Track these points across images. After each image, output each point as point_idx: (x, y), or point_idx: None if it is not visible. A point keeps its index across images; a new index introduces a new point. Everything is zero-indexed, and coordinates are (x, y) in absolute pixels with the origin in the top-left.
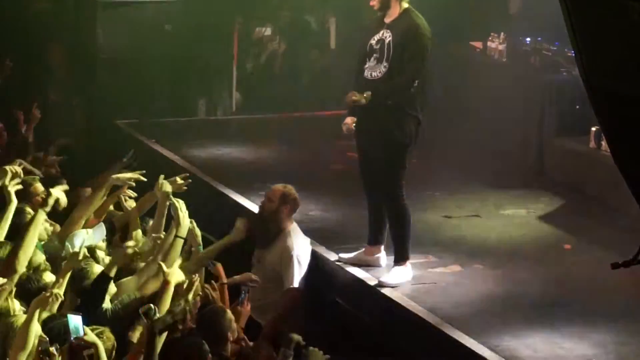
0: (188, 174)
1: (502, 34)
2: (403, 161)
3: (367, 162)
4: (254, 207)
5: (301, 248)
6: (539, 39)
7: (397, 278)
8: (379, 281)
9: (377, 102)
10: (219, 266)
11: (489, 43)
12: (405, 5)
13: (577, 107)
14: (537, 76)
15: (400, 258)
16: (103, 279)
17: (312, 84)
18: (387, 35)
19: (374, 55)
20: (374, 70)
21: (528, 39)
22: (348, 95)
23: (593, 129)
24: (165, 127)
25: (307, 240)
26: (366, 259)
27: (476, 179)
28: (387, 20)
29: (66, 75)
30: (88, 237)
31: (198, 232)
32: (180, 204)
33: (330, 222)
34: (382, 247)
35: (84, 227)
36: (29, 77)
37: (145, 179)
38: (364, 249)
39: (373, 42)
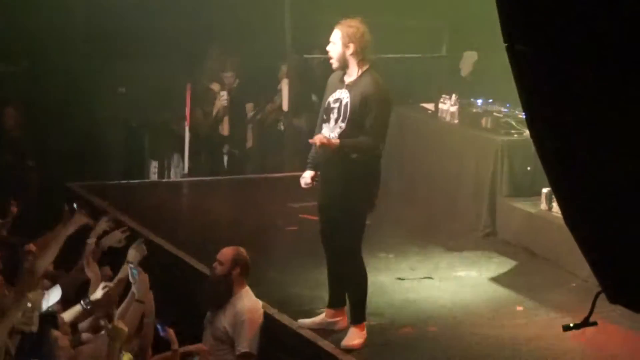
0: (127, 228)
1: (453, 95)
2: (364, 220)
3: (328, 220)
4: (206, 270)
5: (253, 311)
6: (490, 100)
7: (355, 339)
8: (341, 345)
9: (343, 153)
10: (171, 331)
11: (440, 105)
12: (365, 66)
13: (529, 168)
14: (489, 137)
15: (358, 320)
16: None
17: (265, 145)
18: (345, 95)
19: (332, 114)
20: (332, 130)
21: (479, 101)
22: (318, 136)
23: (544, 190)
24: (118, 189)
25: (260, 303)
26: (327, 323)
27: (429, 241)
28: (347, 79)
29: (21, 136)
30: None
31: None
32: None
33: (285, 284)
34: (345, 310)
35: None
36: None
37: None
38: (324, 313)
39: (331, 100)
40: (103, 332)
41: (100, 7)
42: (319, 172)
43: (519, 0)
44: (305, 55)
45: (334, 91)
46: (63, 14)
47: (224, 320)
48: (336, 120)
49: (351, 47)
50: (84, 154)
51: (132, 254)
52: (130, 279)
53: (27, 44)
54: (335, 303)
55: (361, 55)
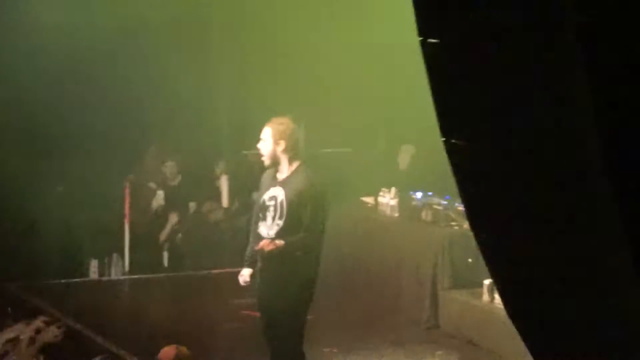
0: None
1: (392, 189)
2: (305, 317)
3: (268, 319)
4: None
5: None
6: (430, 193)
7: None
8: None
9: (285, 252)
10: None
11: (380, 198)
12: (297, 162)
13: (470, 260)
14: (429, 230)
15: None
16: None
17: (205, 242)
18: (279, 192)
19: (268, 212)
20: (270, 228)
21: (419, 194)
22: (264, 242)
23: (486, 282)
24: (56, 289)
25: None
26: None
27: (373, 335)
28: (280, 176)
29: None
30: None
31: None
32: None
33: None
34: None
35: None
36: None
37: None
38: None
39: (266, 198)
40: None
41: (37, 105)
42: (255, 270)
43: (455, 95)
44: (243, 152)
45: (268, 189)
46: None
47: None
48: (273, 218)
49: (282, 144)
50: (21, 253)
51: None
52: None
53: None
54: None
55: (292, 152)
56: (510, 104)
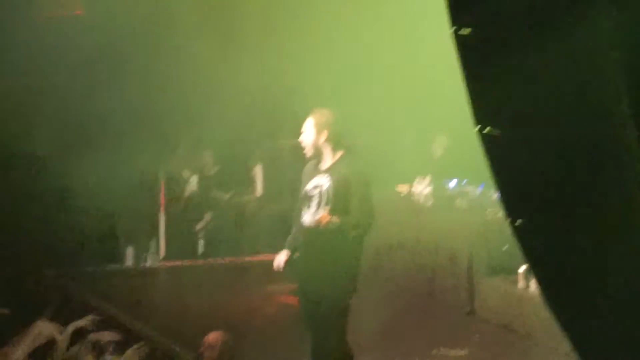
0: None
1: (427, 177)
2: (348, 301)
3: (312, 303)
4: (187, 356)
5: None
6: (464, 181)
7: None
8: None
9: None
10: None
11: (414, 187)
12: (340, 152)
13: (505, 247)
14: (464, 218)
15: None
16: None
17: (239, 230)
18: (324, 181)
19: (312, 201)
20: (314, 216)
21: (453, 182)
22: (323, 215)
23: (521, 269)
24: (94, 276)
25: None
26: None
27: (409, 321)
28: (323, 166)
29: None
30: None
31: None
32: None
33: None
34: None
35: None
36: None
37: None
38: None
39: (309, 188)
40: None
41: (71, 94)
42: (294, 256)
43: (487, 84)
44: (279, 141)
45: (310, 179)
46: (34, 103)
47: None
48: (318, 205)
49: (324, 134)
50: (59, 241)
51: (129, 356)
52: None
53: None
54: None
55: (335, 141)
56: (544, 90)
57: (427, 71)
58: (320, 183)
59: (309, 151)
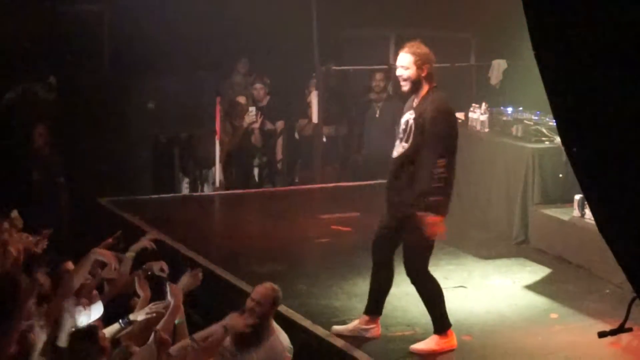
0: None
1: (483, 104)
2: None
3: (393, 229)
4: (244, 287)
5: (289, 352)
6: (520, 108)
7: (428, 345)
8: (411, 348)
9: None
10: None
11: (470, 114)
12: (432, 85)
13: (560, 175)
14: (519, 145)
15: (437, 330)
16: None
17: (295, 157)
18: (411, 116)
19: (400, 135)
20: (396, 149)
21: (509, 109)
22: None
23: (576, 197)
24: (149, 204)
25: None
26: (360, 329)
27: (462, 250)
28: (415, 101)
29: (50, 154)
30: (85, 315)
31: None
32: (175, 289)
33: (317, 296)
34: (379, 320)
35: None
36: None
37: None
38: (359, 320)
39: (402, 121)
40: (149, 342)
41: (126, 22)
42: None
43: (547, 6)
44: (334, 67)
45: (405, 113)
46: (88, 31)
47: (263, 358)
48: (401, 140)
49: (425, 69)
50: (114, 170)
51: (185, 282)
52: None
53: (53, 62)
54: (371, 311)
55: (432, 76)
56: (606, 17)
57: None
58: (409, 117)
59: (407, 86)
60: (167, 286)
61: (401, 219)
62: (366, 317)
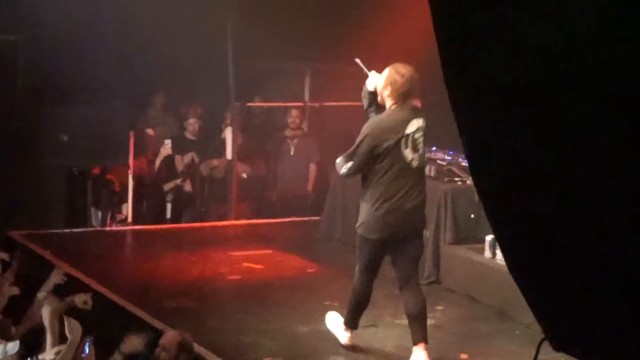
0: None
1: None
2: (366, 244)
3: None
4: (151, 322)
5: None
6: (433, 148)
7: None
8: None
9: None
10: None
11: None
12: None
13: (472, 215)
14: (432, 185)
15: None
16: None
17: (209, 194)
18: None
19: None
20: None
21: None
22: None
23: (488, 237)
24: (60, 238)
25: None
26: None
27: (373, 288)
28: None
29: None
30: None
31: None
32: (74, 324)
33: (228, 333)
34: None
35: None
36: None
37: None
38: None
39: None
40: None
41: (41, 51)
42: None
43: (461, 51)
44: (247, 104)
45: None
46: (1, 60)
47: None
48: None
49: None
50: (25, 202)
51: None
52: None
53: None
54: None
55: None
56: (519, 56)
57: (405, 36)
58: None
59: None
60: (66, 320)
61: (406, 235)
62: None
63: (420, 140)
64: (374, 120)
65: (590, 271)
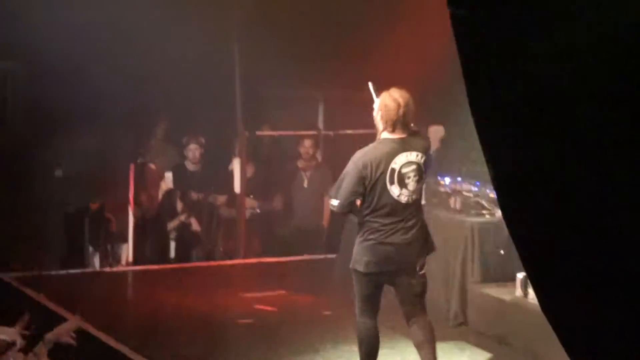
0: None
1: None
2: (360, 282)
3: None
4: None
5: None
6: (459, 179)
7: None
8: None
9: None
10: None
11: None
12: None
13: (502, 251)
14: (458, 219)
15: None
16: None
17: (216, 232)
18: None
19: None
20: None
21: (447, 179)
22: None
23: (519, 275)
24: (56, 280)
25: None
26: None
27: (397, 332)
28: None
29: None
30: None
31: None
32: None
33: None
34: None
35: None
36: None
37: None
38: None
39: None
40: None
41: (35, 79)
42: None
43: (484, 67)
44: (257, 133)
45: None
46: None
47: None
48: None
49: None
50: (17, 241)
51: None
52: None
53: None
54: None
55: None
56: (541, 71)
57: (422, 57)
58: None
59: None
60: None
61: (400, 271)
62: None
63: (411, 175)
64: (358, 153)
65: (630, 312)
